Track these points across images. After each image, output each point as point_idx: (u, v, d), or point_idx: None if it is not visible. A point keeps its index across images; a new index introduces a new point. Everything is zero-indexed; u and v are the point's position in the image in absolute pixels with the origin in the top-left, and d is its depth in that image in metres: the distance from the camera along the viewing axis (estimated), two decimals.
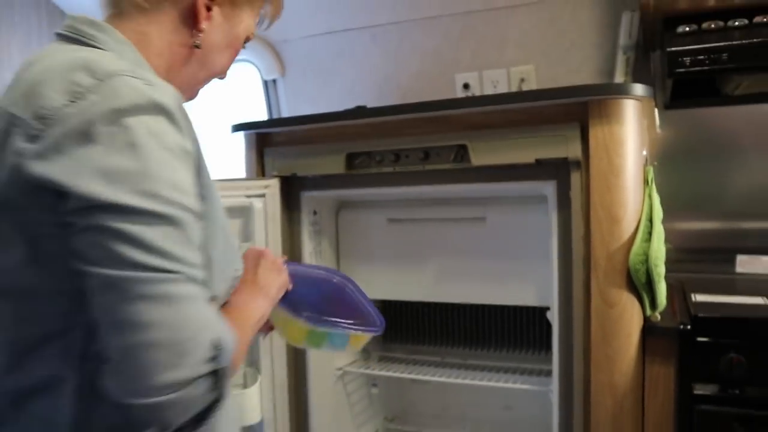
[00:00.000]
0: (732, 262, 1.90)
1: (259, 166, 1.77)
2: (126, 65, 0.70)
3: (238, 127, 1.77)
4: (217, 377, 0.65)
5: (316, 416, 1.82)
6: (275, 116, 2.57)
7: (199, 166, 0.73)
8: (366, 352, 2.09)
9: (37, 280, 0.68)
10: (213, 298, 0.74)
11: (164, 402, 0.61)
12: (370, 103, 2.22)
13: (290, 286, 1.00)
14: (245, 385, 1.64)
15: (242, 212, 1.68)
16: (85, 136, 0.63)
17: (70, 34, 0.77)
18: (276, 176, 1.73)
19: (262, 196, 1.70)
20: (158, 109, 0.66)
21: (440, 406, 2.11)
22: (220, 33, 0.86)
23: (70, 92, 0.65)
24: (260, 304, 0.88)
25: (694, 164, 1.98)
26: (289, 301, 0.99)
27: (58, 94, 0.66)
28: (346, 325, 1.09)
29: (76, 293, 0.66)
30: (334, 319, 1.08)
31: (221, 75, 0.93)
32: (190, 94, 0.91)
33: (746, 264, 1.90)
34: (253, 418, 1.64)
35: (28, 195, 0.65)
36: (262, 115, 2.58)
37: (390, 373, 1.94)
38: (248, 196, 1.68)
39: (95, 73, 0.67)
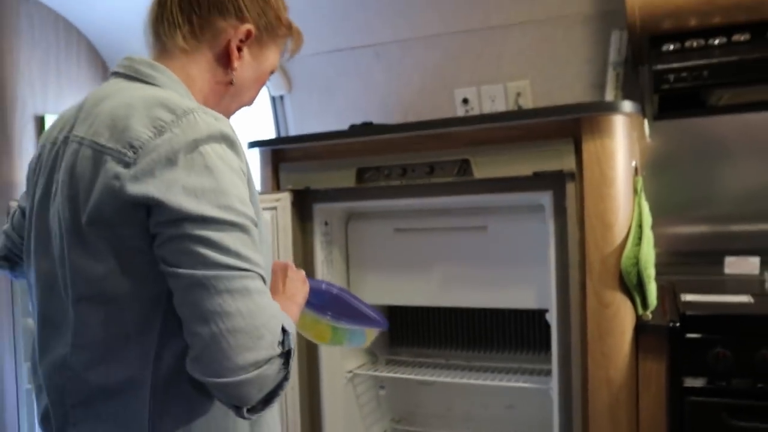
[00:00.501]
0: (720, 263, 1.97)
1: (275, 180, 1.87)
2: (193, 103, 0.82)
3: (254, 144, 1.88)
4: (286, 357, 0.76)
5: (328, 417, 1.92)
6: (282, 131, 2.68)
7: (250, 185, 0.84)
8: (374, 356, 2.19)
9: (121, 287, 0.79)
10: None
11: (245, 380, 0.72)
12: (374, 118, 2.33)
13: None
14: None
15: None
16: (171, 161, 0.75)
17: (130, 73, 0.88)
18: (290, 190, 1.83)
19: (274, 209, 1.80)
20: (224, 139, 0.79)
21: (445, 407, 2.19)
22: (249, 69, 0.96)
23: (155, 126, 0.77)
24: (292, 310, 0.98)
25: (684, 171, 2.07)
26: (310, 304, 1.12)
27: (145, 128, 0.77)
28: (362, 324, 1.23)
29: (154, 299, 0.78)
30: (350, 319, 1.22)
31: (249, 104, 1.05)
32: None
33: (734, 265, 1.97)
34: None
35: (121, 212, 0.76)
36: (269, 130, 2.69)
37: (397, 375, 2.04)
38: (262, 209, 1.78)
39: (173, 110, 0.78)
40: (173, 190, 0.74)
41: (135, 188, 0.75)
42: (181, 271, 0.74)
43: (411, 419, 2.26)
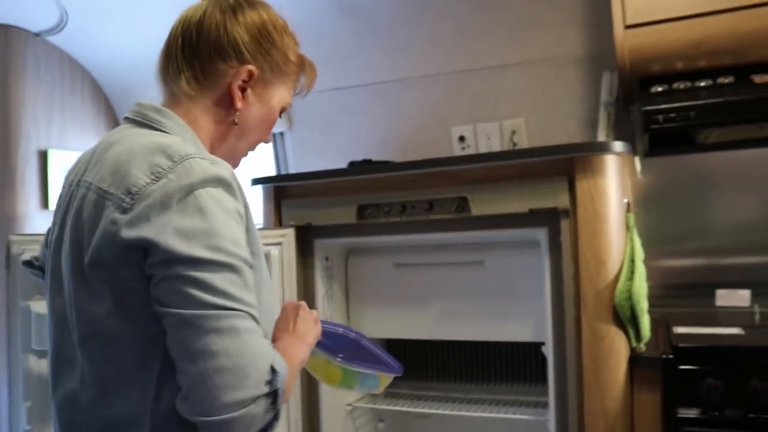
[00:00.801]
0: (712, 296, 2.01)
1: (277, 216, 1.92)
2: (192, 148, 0.86)
3: (257, 181, 1.93)
4: (274, 397, 0.77)
5: None
6: (282, 167, 2.74)
7: (248, 226, 0.88)
8: None
9: (120, 328, 0.82)
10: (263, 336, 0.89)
11: (231, 419, 0.73)
12: (374, 154, 2.39)
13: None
14: None
15: None
16: (165, 205, 0.78)
17: (139, 119, 0.93)
18: (292, 225, 1.88)
19: (279, 244, 1.85)
20: (219, 182, 0.82)
21: None
22: (255, 109, 0.98)
23: (153, 173, 0.80)
24: (301, 349, 0.99)
25: (675, 205, 2.12)
26: (323, 346, 1.13)
27: (144, 174, 0.81)
28: (375, 368, 1.25)
29: (152, 339, 0.81)
30: (363, 363, 1.23)
31: (266, 141, 1.06)
32: (233, 163, 1.01)
33: (725, 298, 2.00)
34: None
35: (119, 255, 0.80)
36: (269, 166, 2.75)
37: (396, 408, 2.06)
38: (266, 245, 1.82)
39: (172, 156, 0.82)
40: (166, 232, 0.77)
41: (130, 233, 0.78)
42: (171, 310, 0.76)
43: None
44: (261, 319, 0.87)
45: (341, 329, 1.25)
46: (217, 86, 0.95)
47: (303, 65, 1.04)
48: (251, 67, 0.95)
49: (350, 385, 1.24)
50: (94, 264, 0.82)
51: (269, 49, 0.97)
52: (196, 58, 0.95)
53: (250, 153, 1.06)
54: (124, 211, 0.80)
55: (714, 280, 2.05)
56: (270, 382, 0.77)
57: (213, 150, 0.97)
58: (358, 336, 1.27)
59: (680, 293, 2.12)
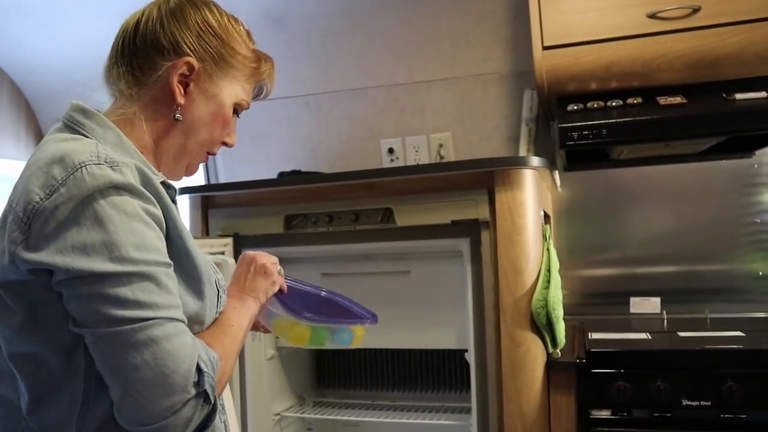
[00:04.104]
0: (626, 303, 2.12)
1: (204, 226, 1.92)
2: (92, 155, 0.79)
3: (184, 190, 1.92)
4: (206, 395, 0.78)
5: None
6: (212, 177, 2.72)
7: (169, 221, 0.85)
8: (301, 398, 2.23)
9: (39, 338, 0.81)
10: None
11: (164, 425, 0.74)
12: (304, 166, 2.42)
13: (284, 288, 1.09)
14: None
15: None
16: (59, 223, 0.75)
17: (65, 121, 0.90)
18: (220, 236, 1.88)
19: (222, 253, 1.83)
20: (119, 187, 0.78)
21: None
22: (200, 105, 0.94)
23: (47, 186, 0.77)
24: (250, 308, 1.00)
25: (592, 218, 2.24)
26: (288, 307, 1.10)
27: (39, 188, 0.77)
28: (345, 322, 1.21)
29: (73, 347, 0.79)
30: (332, 318, 1.20)
31: (219, 143, 1.00)
32: (184, 164, 1.00)
33: (638, 305, 2.12)
34: None
35: (25, 274, 0.78)
36: (199, 177, 2.73)
37: (324, 416, 2.07)
38: (211, 254, 1.79)
39: (66, 166, 0.78)
40: (64, 251, 0.75)
41: (28, 255, 0.76)
42: (85, 330, 0.76)
43: None
44: (206, 308, 0.89)
45: (312, 288, 1.21)
46: (157, 82, 0.92)
47: (258, 59, 1.01)
48: (189, 59, 0.92)
49: (321, 342, 1.20)
50: (3, 280, 0.80)
51: (210, 41, 0.94)
52: (134, 56, 0.93)
53: (208, 155, 1.02)
54: (23, 231, 0.77)
55: (629, 289, 2.17)
56: (198, 383, 0.77)
57: (159, 150, 0.95)
58: (328, 293, 1.24)
59: (597, 301, 2.23)
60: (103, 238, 0.75)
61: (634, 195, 2.22)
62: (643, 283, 2.19)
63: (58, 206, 0.76)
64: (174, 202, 0.96)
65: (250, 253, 1.06)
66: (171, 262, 0.82)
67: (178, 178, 1.03)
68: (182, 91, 0.93)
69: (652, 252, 2.19)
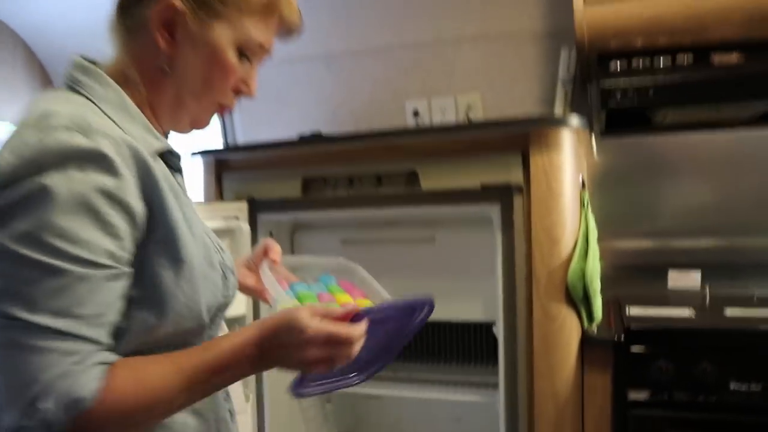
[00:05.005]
0: (664, 277, 2.01)
1: (218, 190, 1.82)
2: (68, 118, 0.71)
3: (197, 153, 1.83)
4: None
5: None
6: (230, 141, 2.62)
7: (154, 205, 0.75)
8: None
9: None
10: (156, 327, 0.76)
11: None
12: (324, 128, 2.30)
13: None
14: None
15: (226, 233, 1.68)
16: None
17: (66, 80, 0.81)
18: (236, 200, 1.79)
19: (236, 218, 1.72)
20: (82, 157, 0.69)
21: (393, 420, 2.17)
22: (189, 51, 0.83)
23: (17, 153, 0.69)
24: (244, 370, 0.78)
25: (629, 187, 2.10)
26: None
27: (10, 154, 0.69)
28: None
29: None
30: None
31: (229, 94, 0.88)
32: (186, 119, 0.89)
33: (677, 279, 2.00)
34: None
35: None
36: (217, 139, 2.63)
37: (344, 389, 1.99)
38: (224, 218, 1.70)
39: (41, 130, 0.70)
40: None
41: None
42: None
43: None
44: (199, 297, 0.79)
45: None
46: (142, 30, 0.82)
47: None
48: (170, 1, 0.80)
49: None
50: None
51: None
52: (124, 7, 0.84)
53: (222, 107, 0.89)
54: None
55: (666, 262, 2.05)
56: (39, 411, 0.66)
57: (154, 104, 0.85)
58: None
59: (633, 274, 2.11)
60: (33, 215, 0.67)
61: (673, 163, 2.08)
62: (682, 257, 2.06)
63: (17, 179, 0.68)
64: (177, 169, 0.86)
65: (302, 312, 0.78)
66: (110, 264, 0.71)
67: (184, 132, 0.92)
68: (167, 38, 0.82)
69: (691, 224, 2.06)
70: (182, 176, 0.89)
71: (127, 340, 0.74)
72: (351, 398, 2.13)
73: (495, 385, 1.78)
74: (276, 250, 1.07)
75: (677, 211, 2.08)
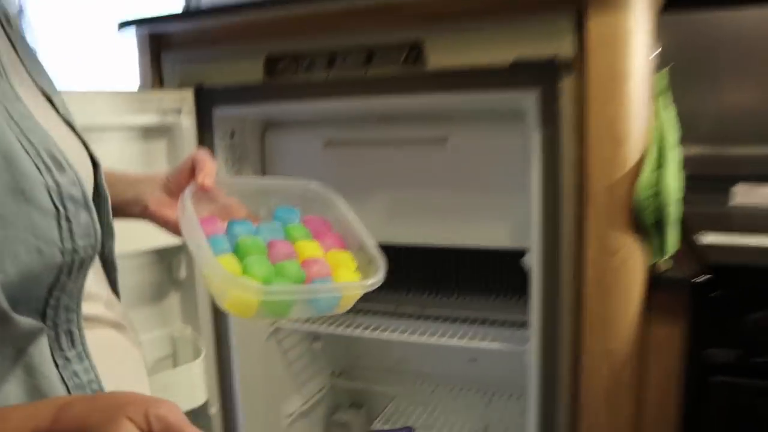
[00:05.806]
0: (725, 191, 1.70)
1: (156, 75, 1.40)
2: None
3: (125, 24, 1.37)
4: None
5: (243, 381, 1.55)
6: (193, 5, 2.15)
7: None
8: None
9: None
10: None
11: None
12: None
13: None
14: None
15: (163, 132, 1.34)
16: None
17: None
18: (178, 87, 1.36)
19: (178, 111, 1.33)
20: None
21: (395, 359, 1.91)
22: None
23: None
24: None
25: (686, 79, 1.77)
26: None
27: None
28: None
29: None
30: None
31: None
32: None
33: (744, 194, 1.69)
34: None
35: None
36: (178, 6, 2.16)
37: (330, 330, 1.65)
38: (163, 112, 1.31)
39: None
40: None
41: None
42: None
43: (354, 372, 1.97)
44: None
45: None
46: None
47: None
48: None
49: (282, 310, 0.70)
50: None
51: None
52: None
53: None
54: None
55: (730, 173, 1.75)
56: None
57: None
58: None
59: (687, 187, 1.77)
60: None
61: (744, 51, 1.74)
62: (749, 166, 1.78)
63: None
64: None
65: (125, 396, 0.45)
66: None
67: None
68: None
69: (762, 127, 1.75)
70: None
71: None
72: (345, 337, 1.79)
73: (521, 324, 1.48)
74: (208, 168, 0.76)
75: (746, 111, 1.78)
